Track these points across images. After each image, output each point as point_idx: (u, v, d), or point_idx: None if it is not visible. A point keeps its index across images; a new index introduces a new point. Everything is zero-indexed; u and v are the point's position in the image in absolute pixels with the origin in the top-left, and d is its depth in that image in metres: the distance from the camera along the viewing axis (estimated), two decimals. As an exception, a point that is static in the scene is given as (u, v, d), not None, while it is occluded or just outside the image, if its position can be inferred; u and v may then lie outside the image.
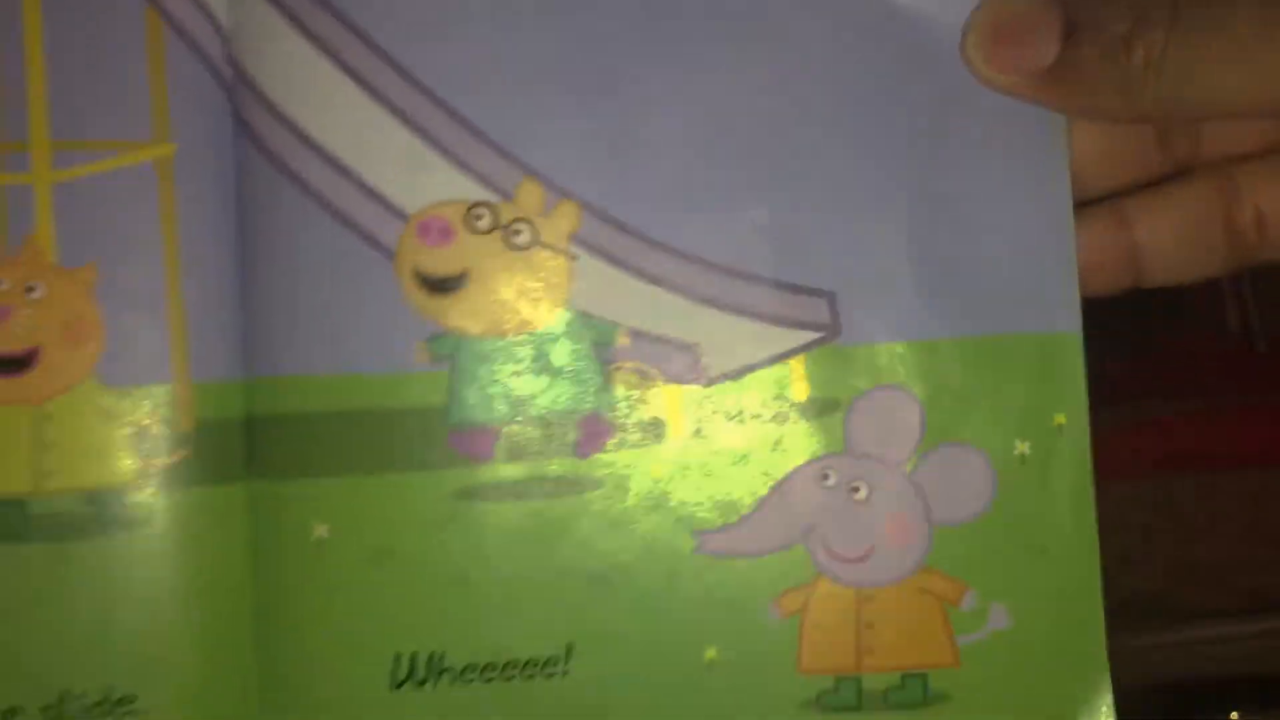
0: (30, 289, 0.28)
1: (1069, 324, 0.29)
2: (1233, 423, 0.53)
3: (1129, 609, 0.36)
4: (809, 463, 0.29)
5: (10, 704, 0.28)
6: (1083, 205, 0.30)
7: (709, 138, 0.29)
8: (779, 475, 0.29)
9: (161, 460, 0.28)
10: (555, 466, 0.29)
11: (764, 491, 0.29)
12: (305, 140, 0.29)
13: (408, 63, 0.28)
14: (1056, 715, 0.29)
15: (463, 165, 0.29)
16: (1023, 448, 0.29)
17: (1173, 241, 0.30)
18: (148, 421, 0.28)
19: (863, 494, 0.29)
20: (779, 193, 0.29)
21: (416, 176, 0.29)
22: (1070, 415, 0.29)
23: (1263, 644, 0.37)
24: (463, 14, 0.28)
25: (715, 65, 0.29)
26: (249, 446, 0.29)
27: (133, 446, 0.28)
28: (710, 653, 0.30)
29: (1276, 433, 0.53)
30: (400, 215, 0.29)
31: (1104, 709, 0.29)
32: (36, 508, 0.28)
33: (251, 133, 0.29)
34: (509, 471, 0.29)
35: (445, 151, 0.29)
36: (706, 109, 0.29)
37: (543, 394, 0.29)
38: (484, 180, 0.29)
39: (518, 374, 0.29)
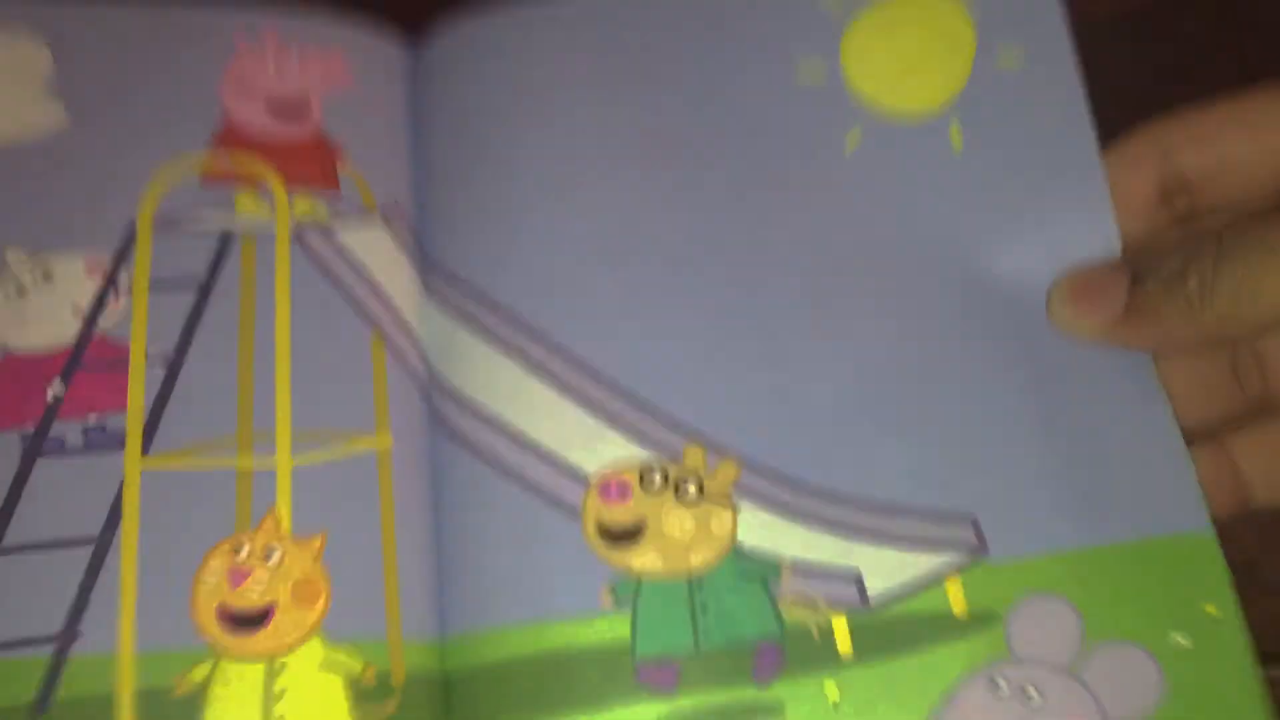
0: (269, 554, 0.35)
1: (1198, 524, 0.35)
2: None
3: None
4: (977, 673, 0.34)
5: None
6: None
7: (849, 393, 0.36)
8: (949, 687, 0.34)
9: (375, 711, 0.33)
10: (735, 694, 0.34)
11: (937, 702, 0.33)
12: (496, 428, 0.37)
13: (581, 354, 0.37)
14: None
15: (635, 434, 0.36)
16: (1182, 640, 0.34)
17: (1272, 465, 0.37)
18: (365, 673, 0.34)
19: (1036, 699, 0.33)
20: (915, 434, 0.35)
21: (595, 448, 0.36)
22: (1220, 605, 0.34)
23: None
24: (628, 308, 0.37)
25: (862, 333, 0.36)
26: (449, 699, 0.34)
27: (352, 697, 0.33)
28: None
29: None
30: (582, 480, 0.36)
31: None
32: None
33: (450, 428, 0.37)
34: (693, 702, 0.33)
35: (619, 424, 0.36)
36: (853, 369, 0.36)
37: (718, 626, 0.34)
38: (654, 445, 0.36)
39: (694, 609, 0.35)
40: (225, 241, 0.38)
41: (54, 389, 0.35)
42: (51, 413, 0.35)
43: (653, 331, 0.37)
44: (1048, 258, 0.37)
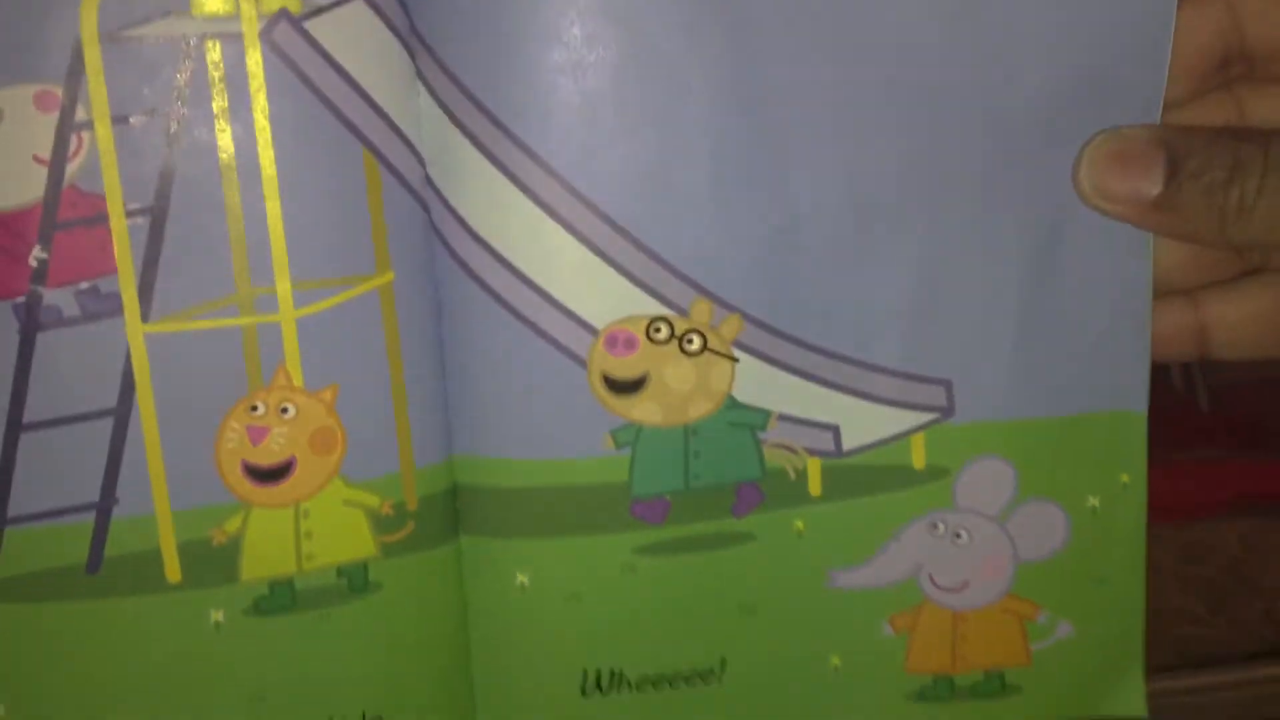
0: (284, 410, 0.37)
1: (1138, 404, 0.40)
2: (1175, 477, 0.57)
3: None
4: (923, 516, 0.41)
5: (289, 733, 0.39)
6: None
7: (852, 256, 0.37)
8: (899, 527, 0.41)
9: (394, 535, 0.39)
10: (715, 526, 0.40)
11: (886, 539, 0.41)
12: (497, 257, 0.37)
13: (585, 189, 0.36)
14: (1102, 699, 0.43)
15: (640, 283, 0.37)
16: (1094, 501, 0.41)
17: (1239, 323, 0.39)
18: (383, 506, 0.38)
19: (964, 540, 0.41)
20: (908, 299, 0.38)
21: (600, 293, 0.37)
22: (1133, 475, 0.40)
23: (1188, 701, 0.42)
24: (638, 144, 0.36)
25: (861, 194, 0.37)
26: (458, 510, 0.40)
27: (373, 527, 0.38)
28: (835, 660, 0.42)
29: (1214, 487, 0.58)
30: (590, 329, 0.38)
31: (1137, 692, 0.43)
32: (300, 584, 0.37)
33: (451, 250, 0.37)
34: (677, 532, 0.39)
35: (624, 271, 0.37)
36: (849, 232, 0.37)
37: (707, 470, 0.40)
38: (660, 297, 0.37)
39: (687, 455, 0.40)
40: (186, 52, 0.34)
41: (36, 254, 0.34)
42: (40, 279, 0.34)
43: (667, 176, 0.37)
44: (1089, 105, 0.37)
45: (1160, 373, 0.40)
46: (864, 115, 0.37)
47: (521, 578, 0.39)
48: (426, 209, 0.36)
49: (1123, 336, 0.39)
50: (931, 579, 0.40)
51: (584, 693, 0.40)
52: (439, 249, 0.37)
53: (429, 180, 0.36)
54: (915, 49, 0.36)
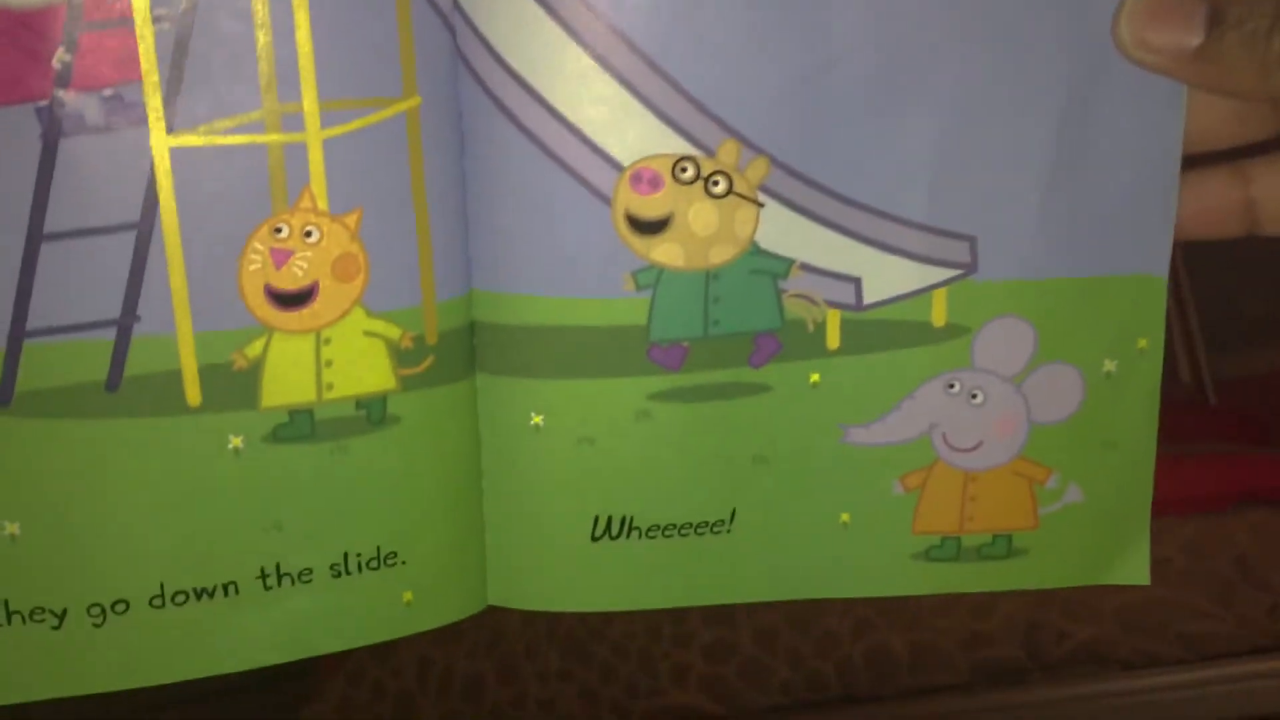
0: (308, 234, 0.37)
1: (1159, 268, 0.41)
2: (1182, 471, 0.57)
3: (1074, 659, 0.44)
4: (940, 374, 0.41)
5: (305, 565, 0.40)
6: (1205, 157, 0.40)
7: (883, 100, 0.37)
8: (915, 384, 0.41)
9: (414, 369, 0.39)
10: (731, 375, 0.41)
11: (902, 396, 0.42)
12: (524, 86, 0.37)
13: (621, 24, 0.36)
14: (1107, 563, 0.44)
15: (668, 121, 0.37)
16: (1110, 366, 0.42)
17: None
18: (404, 339, 0.39)
19: (980, 400, 0.42)
20: (937, 149, 0.38)
21: (627, 129, 0.37)
22: (1150, 340, 0.41)
23: (1195, 693, 0.43)
24: None
25: (894, 33, 0.37)
26: (475, 347, 0.40)
27: (393, 359, 0.39)
28: (844, 516, 0.43)
29: (1222, 481, 0.58)
30: (615, 165, 0.38)
31: (1142, 562, 0.44)
32: (320, 414, 0.38)
33: (481, 82, 0.38)
34: (693, 379, 0.40)
35: (652, 106, 0.37)
36: (882, 74, 0.37)
37: (726, 317, 0.40)
38: (688, 136, 0.38)
39: (707, 300, 0.40)
40: None
41: (60, 55, 0.34)
42: (64, 83, 0.34)
43: (701, 10, 0.37)
44: None
45: (1168, 367, 0.41)
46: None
47: (536, 418, 0.40)
48: (453, 32, 0.36)
49: (1150, 197, 0.39)
50: (945, 438, 0.41)
51: (594, 538, 0.41)
52: (464, 76, 0.37)
53: (456, 4, 0.36)
54: None
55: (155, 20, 0.34)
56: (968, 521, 0.42)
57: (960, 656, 0.42)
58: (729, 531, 0.42)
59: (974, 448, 0.41)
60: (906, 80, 0.38)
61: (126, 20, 0.34)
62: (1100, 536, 0.43)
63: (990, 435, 0.41)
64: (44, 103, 0.34)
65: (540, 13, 0.36)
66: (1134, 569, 0.43)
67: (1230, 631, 0.44)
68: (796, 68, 0.37)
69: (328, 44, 0.35)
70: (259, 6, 0.34)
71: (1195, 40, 0.35)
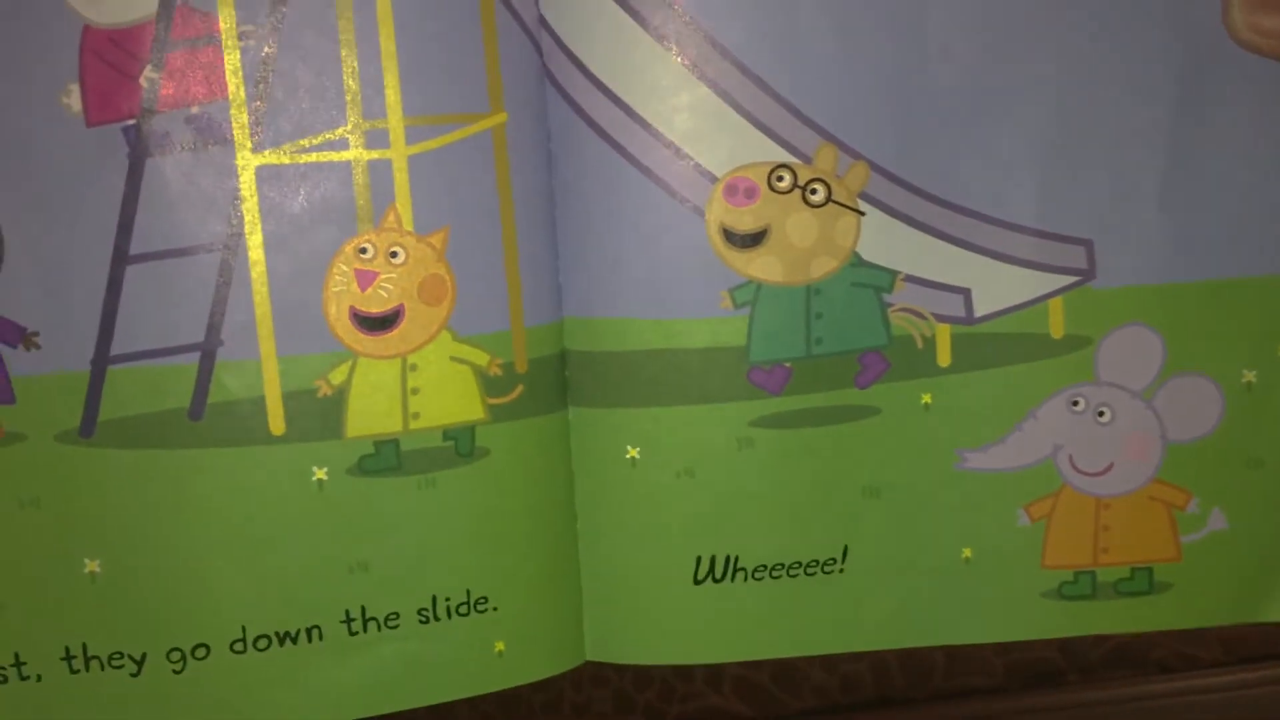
0: (393, 255, 0.37)
1: (1293, 268, 0.40)
2: None
3: (1111, 661, 0.43)
4: (1061, 390, 0.40)
5: (392, 609, 0.39)
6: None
7: (984, 101, 0.37)
8: (1035, 402, 0.40)
9: (503, 398, 0.39)
10: (837, 397, 0.40)
11: (1022, 416, 0.40)
12: (613, 99, 0.37)
13: (710, 28, 0.37)
14: (1259, 598, 0.42)
15: (763, 128, 0.37)
16: (1250, 376, 0.40)
17: None
18: (492, 365, 0.38)
19: (1107, 417, 0.40)
20: (1045, 150, 0.38)
21: (721, 138, 0.37)
22: (1291, 348, 0.40)
23: (1234, 695, 0.41)
24: None
25: (1004, 31, 0.37)
26: (567, 378, 0.40)
27: (481, 387, 0.39)
28: (967, 552, 0.41)
29: None
30: (709, 176, 0.38)
31: None
32: (407, 444, 0.37)
33: (564, 92, 0.38)
34: (797, 403, 0.39)
35: (747, 115, 0.37)
36: (983, 73, 0.37)
37: (830, 334, 0.40)
38: (783, 143, 0.37)
39: (808, 317, 0.40)
40: None
41: (147, 73, 0.35)
42: (151, 101, 0.35)
43: (793, 15, 0.37)
44: None
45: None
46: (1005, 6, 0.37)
47: (632, 451, 0.39)
48: (539, 48, 0.37)
49: (1271, 190, 0.38)
50: (1071, 461, 0.40)
51: (697, 580, 0.40)
52: (551, 92, 0.38)
53: (542, 19, 0.37)
54: None
55: (241, 37, 0.35)
56: (1102, 554, 0.40)
57: (995, 659, 0.41)
58: (841, 571, 0.40)
59: (1104, 471, 0.40)
60: (1006, 76, 0.38)
61: (214, 38, 0.35)
62: (1251, 567, 0.41)
63: (1121, 456, 0.40)
64: (131, 122, 0.35)
65: (629, 22, 0.37)
66: (1290, 603, 0.41)
67: (1269, 633, 0.42)
68: (891, 67, 0.38)
69: (412, 60, 0.36)
70: (344, 22, 0.36)
71: None
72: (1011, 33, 0.38)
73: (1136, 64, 0.38)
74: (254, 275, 0.36)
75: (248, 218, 0.36)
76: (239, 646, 0.37)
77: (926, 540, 0.40)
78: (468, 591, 0.39)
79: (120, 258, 0.35)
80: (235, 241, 0.36)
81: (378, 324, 0.37)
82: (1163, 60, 0.38)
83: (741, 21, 0.37)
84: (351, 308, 0.37)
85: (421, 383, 0.37)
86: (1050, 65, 0.38)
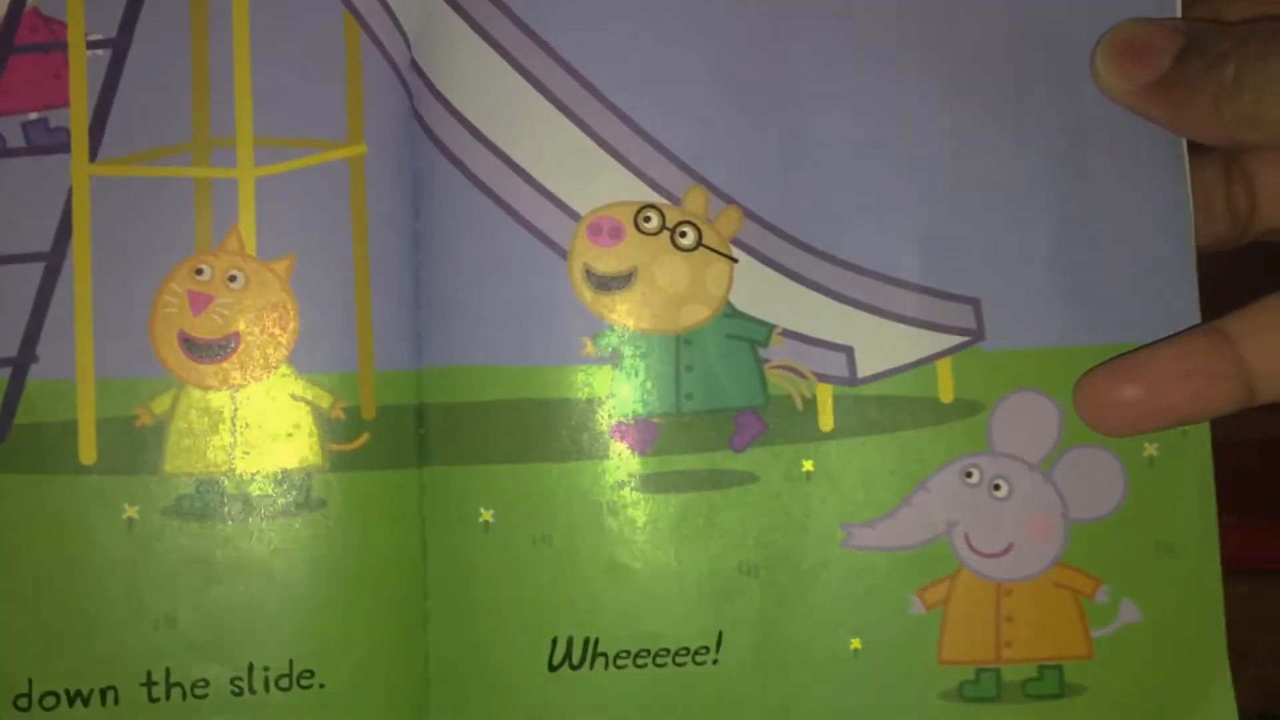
0: (232, 278, 0.37)
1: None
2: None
3: None
4: (954, 461, 0.39)
5: (200, 675, 0.37)
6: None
7: (867, 152, 0.38)
8: (926, 473, 0.39)
9: (345, 445, 0.37)
10: (710, 460, 0.39)
11: (911, 488, 0.39)
12: (483, 141, 0.37)
13: (583, 69, 0.37)
14: (1182, 706, 0.39)
15: (633, 169, 0.37)
16: (1151, 450, 0.39)
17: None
18: (335, 408, 0.37)
19: (1004, 491, 0.39)
20: (930, 205, 0.38)
21: (589, 178, 0.37)
22: (1195, 420, 0.39)
23: None
24: (638, 24, 0.37)
25: (885, 81, 0.38)
26: (421, 433, 0.38)
27: (321, 431, 0.38)
28: (856, 643, 0.39)
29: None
30: (573, 215, 0.38)
31: (1225, 700, 0.39)
32: (232, 487, 0.36)
33: (432, 135, 0.38)
34: (666, 464, 0.37)
35: (617, 155, 0.37)
36: (865, 123, 0.38)
37: (701, 390, 0.39)
38: (653, 184, 0.37)
39: (678, 369, 0.39)
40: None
41: (-16, 74, 0.36)
42: (-16, 102, 0.36)
43: (662, 54, 0.38)
44: (1104, 8, 0.39)
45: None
46: (884, 53, 0.39)
47: (485, 514, 0.38)
48: (409, 90, 0.38)
49: (1164, 250, 0.39)
50: (968, 540, 0.39)
51: (552, 666, 0.38)
52: (419, 133, 0.38)
53: (414, 63, 0.39)
54: None
55: (89, 45, 0.36)
56: (1006, 648, 0.39)
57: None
58: (715, 661, 0.38)
59: (1003, 552, 0.39)
60: (888, 133, 0.39)
61: (60, 45, 0.36)
62: (1170, 666, 0.39)
63: (1021, 536, 0.39)
64: (-37, 122, 0.35)
65: (502, 64, 0.38)
66: (1218, 710, 0.39)
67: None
68: (766, 110, 0.38)
69: (267, 79, 0.37)
70: (198, 36, 0.37)
71: (1162, 66, 0.37)
72: (892, 82, 0.38)
73: (1021, 117, 0.39)
74: (78, 289, 0.36)
75: (76, 228, 0.36)
76: (23, 703, 0.35)
77: (810, 628, 0.38)
78: (290, 662, 0.36)
79: (-65, 260, 0.35)
80: (61, 252, 0.36)
81: (209, 351, 0.36)
82: (1045, 119, 0.39)
83: (613, 62, 0.38)
84: (181, 332, 0.36)
85: (252, 418, 0.36)
86: (933, 126, 0.38)
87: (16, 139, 0.35)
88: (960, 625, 0.38)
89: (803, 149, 0.38)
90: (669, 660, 0.37)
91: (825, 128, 0.38)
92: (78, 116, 0.35)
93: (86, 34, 0.36)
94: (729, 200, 0.38)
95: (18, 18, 0.35)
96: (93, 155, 0.35)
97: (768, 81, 0.38)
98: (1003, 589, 0.38)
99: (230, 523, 0.35)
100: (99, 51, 0.36)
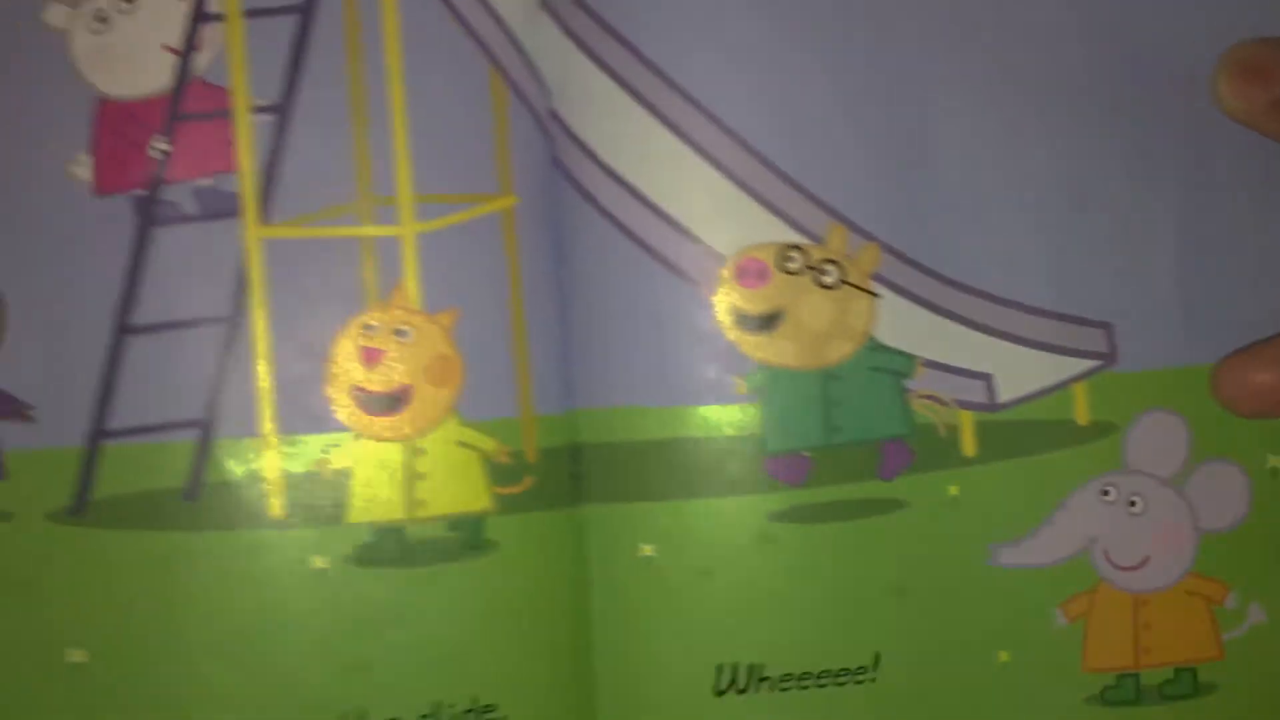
0: (400, 332, 0.39)
1: (1314, 346, 0.42)
2: None
3: None
4: (1091, 480, 0.42)
5: (390, 714, 0.39)
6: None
7: (998, 186, 0.40)
8: (1065, 492, 0.41)
9: (512, 488, 0.39)
10: (861, 490, 0.41)
11: (1052, 507, 0.42)
12: (625, 186, 0.39)
13: (720, 112, 0.39)
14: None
15: (774, 209, 0.39)
16: (1275, 462, 0.42)
17: None
18: (500, 453, 0.39)
19: (1139, 507, 0.42)
20: (1060, 233, 0.40)
21: (732, 220, 0.39)
22: (1317, 431, 0.42)
23: None
24: (774, 67, 0.39)
25: (1018, 118, 0.40)
26: (578, 472, 0.40)
27: (488, 476, 0.39)
28: (1003, 655, 0.41)
29: None
30: (718, 258, 0.39)
31: None
32: (411, 534, 0.38)
33: (574, 181, 0.39)
34: (819, 495, 0.39)
35: (758, 196, 0.39)
36: (995, 158, 0.40)
37: (849, 422, 0.40)
38: (794, 224, 0.39)
39: (825, 403, 0.41)
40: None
41: (158, 144, 0.37)
42: (160, 171, 0.37)
43: (799, 96, 0.40)
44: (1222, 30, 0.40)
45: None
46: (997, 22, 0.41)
47: (646, 548, 0.40)
48: (550, 137, 0.40)
49: (1285, 269, 0.41)
50: (1107, 555, 0.41)
51: (718, 691, 0.40)
52: (561, 179, 0.40)
53: (553, 112, 0.40)
54: None
55: (254, 110, 0.38)
56: (1144, 654, 0.41)
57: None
58: (874, 680, 0.40)
59: (1140, 565, 0.41)
60: (1012, 161, 0.40)
61: (226, 111, 0.37)
62: (1298, 666, 0.41)
63: (1156, 548, 0.41)
64: (140, 192, 0.37)
65: (639, 110, 0.39)
66: (1346, 703, 0.41)
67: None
68: (897, 148, 0.40)
69: (423, 139, 0.38)
70: (356, 99, 0.38)
71: (1276, 91, 0.38)
72: (1018, 116, 0.40)
73: (1144, 141, 0.40)
74: (257, 350, 0.37)
75: (252, 291, 0.37)
76: (227, 754, 0.37)
77: (960, 643, 0.40)
78: (474, 698, 0.38)
79: (121, 329, 0.37)
80: (239, 315, 0.37)
81: (382, 404, 0.38)
82: (1169, 137, 0.41)
83: (750, 105, 0.39)
84: (356, 387, 0.38)
85: (427, 468, 0.38)
86: (1057, 153, 0.40)
87: (190, 205, 0.36)
88: (1101, 635, 0.40)
89: (932, 183, 0.40)
90: (830, 681, 0.39)
91: (951, 161, 0.40)
92: (246, 180, 0.37)
93: (251, 100, 0.37)
94: (868, 237, 0.39)
95: (184, 87, 0.37)
96: (263, 218, 0.37)
97: (896, 119, 0.40)
98: (1139, 599, 0.40)
99: (411, 568, 0.37)
100: (263, 116, 0.37)
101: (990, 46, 0.40)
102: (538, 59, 0.39)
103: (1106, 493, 0.40)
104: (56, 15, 0.36)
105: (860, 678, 0.39)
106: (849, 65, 0.40)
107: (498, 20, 0.39)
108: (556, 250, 0.39)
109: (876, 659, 0.39)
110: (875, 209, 0.40)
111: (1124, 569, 0.40)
